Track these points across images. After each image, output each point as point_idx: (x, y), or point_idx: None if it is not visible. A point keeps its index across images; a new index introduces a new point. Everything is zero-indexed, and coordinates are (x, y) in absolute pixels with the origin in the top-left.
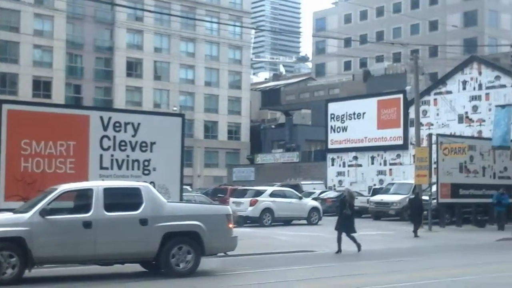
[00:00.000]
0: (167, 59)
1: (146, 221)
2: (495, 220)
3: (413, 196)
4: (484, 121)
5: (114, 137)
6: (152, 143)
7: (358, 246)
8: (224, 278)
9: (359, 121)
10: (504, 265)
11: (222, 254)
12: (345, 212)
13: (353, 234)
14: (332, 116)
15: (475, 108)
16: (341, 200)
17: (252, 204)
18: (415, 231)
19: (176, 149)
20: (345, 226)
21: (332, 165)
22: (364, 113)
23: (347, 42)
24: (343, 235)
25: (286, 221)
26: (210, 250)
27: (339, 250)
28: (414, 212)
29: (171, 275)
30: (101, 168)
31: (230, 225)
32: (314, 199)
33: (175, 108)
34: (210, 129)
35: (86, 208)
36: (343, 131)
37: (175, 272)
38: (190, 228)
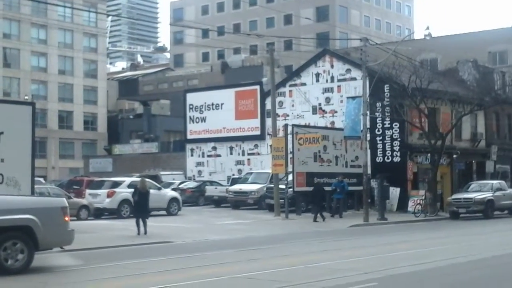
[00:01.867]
0: (17, 46)
1: None
2: (334, 209)
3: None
4: (336, 112)
5: None
6: (0, 133)
7: (145, 231)
8: (68, 274)
9: (217, 112)
10: (355, 250)
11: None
12: (135, 199)
13: (147, 220)
14: (191, 106)
15: (328, 100)
16: (134, 188)
17: (109, 195)
18: (315, 218)
19: (26, 140)
20: (140, 212)
21: (192, 155)
22: (222, 104)
23: (205, 33)
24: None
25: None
26: (44, 245)
27: (138, 233)
28: (316, 200)
29: (1, 272)
30: None
31: (67, 218)
32: (174, 189)
33: (26, 97)
34: (65, 119)
35: None
36: (202, 121)
37: (5, 269)
38: (22, 222)
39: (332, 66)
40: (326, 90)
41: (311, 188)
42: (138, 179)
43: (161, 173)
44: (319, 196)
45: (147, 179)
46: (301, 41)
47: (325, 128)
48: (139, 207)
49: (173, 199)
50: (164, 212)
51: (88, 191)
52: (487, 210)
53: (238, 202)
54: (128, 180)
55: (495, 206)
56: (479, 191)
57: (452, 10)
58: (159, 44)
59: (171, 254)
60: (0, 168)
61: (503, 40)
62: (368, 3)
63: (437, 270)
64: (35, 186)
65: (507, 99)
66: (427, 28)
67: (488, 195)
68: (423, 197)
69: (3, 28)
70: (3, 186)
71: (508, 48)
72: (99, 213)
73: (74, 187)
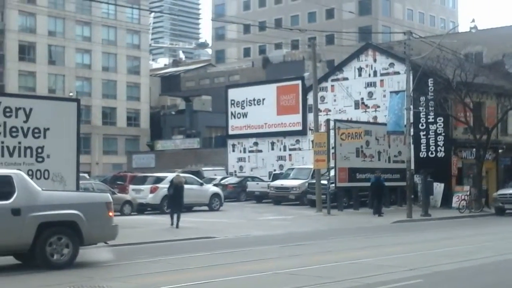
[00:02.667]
0: (61, 43)
1: (19, 211)
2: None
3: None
4: (379, 107)
5: (5, 123)
6: (46, 129)
7: (177, 225)
8: (113, 268)
9: (259, 107)
10: (399, 247)
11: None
12: (170, 193)
13: (180, 213)
14: (232, 102)
15: (370, 94)
16: (170, 182)
17: (152, 191)
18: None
19: (71, 136)
20: (174, 205)
21: (233, 151)
22: (264, 99)
23: (247, 28)
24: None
25: (188, 208)
26: (89, 240)
27: (172, 224)
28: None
29: (48, 267)
30: None
31: (111, 214)
32: (215, 185)
33: (71, 94)
34: (108, 116)
35: None
36: (243, 117)
37: (51, 263)
38: (67, 217)
39: (375, 60)
40: (368, 84)
41: (353, 184)
42: (186, 174)
43: (203, 168)
44: (380, 189)
45: (188, 175)
46: (343, 35)
47: (368, 123)
48: (173, 200)
49: (215, 195)
50: (206, 208)
51: (131, 186)
52: None
53: (280, 198)
54: (170, 176)
55: None
56: None
57: (497, 2)
58: (201, 40)
59: (213, 249)
60: (46, 164)
61: None
62: None
63: (482, 267)
64: (80, 182)
65: None
66: (473, 20)
67: None
68: (468, 193)
69: (48, 26)
70: (49, 181)
71: None
72: (142, 209)
73: (118, 182)
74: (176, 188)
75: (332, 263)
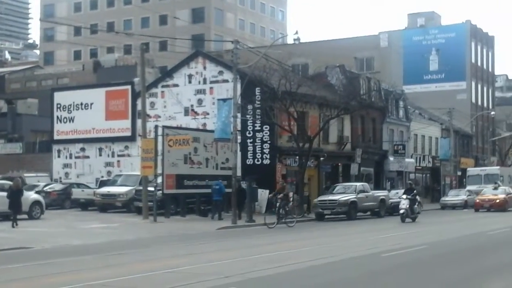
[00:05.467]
0: None
1: None
2: (212, 210)
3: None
4: (208, 114)
5: None
6: None
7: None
8: None
9: (86, 112)
10: (220, 254)
11: None
12: (8, 196)
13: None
14: (59, 106)
15: (200, 101)
16: (9, 187)
17: None
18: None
19: None
20: (13, 207)
21: (58, 156)
22: (92, 104)
23: (77, 30)
24: None
25: (4, 216)
26: None
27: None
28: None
29: None
30: None
31: None
32: (38, 192)
33: None
34: None
35: None
36: (70, 121)
37: None
38: None
39: (204, 68)
40: (198, 91)
41: (181, 191)
42: (3, 181)
43: (25, 175)
44: (241, 196)
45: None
46: (176, 42)
47: (196, 130)
48: (12, 203)
49: (35, 202)
50: (25, 216)
51: None
52: (350, 212)
53: (106, 205)
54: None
55: (358, 208)
56: (343, 193)
57: (322, 18)
58: (30, 41)
59: (26, 261)
60: None
61: (368, 47)
62: (243, 6)
63: (297, 272)
64: None
65: (371, 103)
66: (296, 32)
67: (351, 197)
68: (291, 199)
69: None
70: None
71: (373, 54)
72: None
73: None
74: (13, 193)
75: (148, 272)
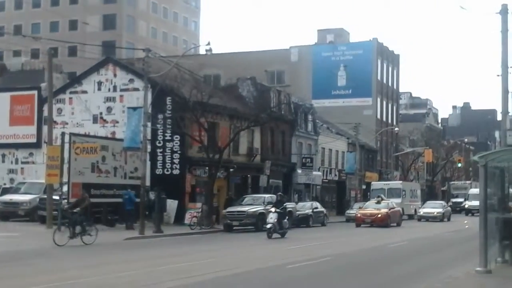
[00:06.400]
0: None
1: None
2: (125, 219)
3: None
4: (118, 122)
5: None
6: None
7: None
8: None
9: None
10: (128, 264)
11: None
12: None
13: None
14: None
15: (109, 109)
16: None
17: None
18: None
19: None
20: None
21: None
22: None
23: None
24: None
25: None
26: None
27: None
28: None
29: None
30: None
31: None
32: None
33: None
34: None
35: None
36: None
37: None
38: None
39: (115, 75)
40: (108, 99)
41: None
42: None
43: None
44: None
45: None
46: (86, 48)
47: (105, 138)
48: None
49: None
50: None
51: None
52: (258, 223)
53: (8, 214)
54: None
55: (266, 219)
56: (252, 205)
57: (235, 30)
58: None
59: None
60: None
61: (280, 61)
62: (155, 15)
63: (202, 284)
64: None
65: (281, 116)
66: (208, 43)
67: (259, 208)
68: (200, 210)
69: None
70: None
71: (284, 68)
72: None
73: None
74: None
75: (46, 284)
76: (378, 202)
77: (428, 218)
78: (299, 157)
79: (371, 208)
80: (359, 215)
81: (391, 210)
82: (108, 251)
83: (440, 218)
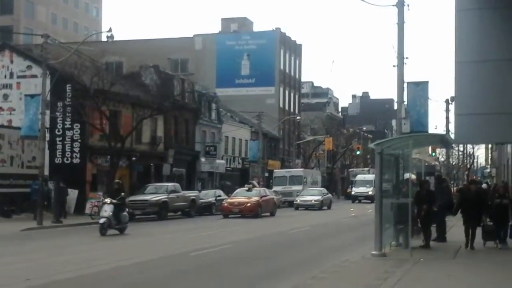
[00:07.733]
0: None
1: None
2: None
3: None
4: (14, 110)
5: None
6: None
7: None
8: None
9: None
10: (23, 256)
11: None
12: None
13: None
14: None
15: (6, 97)
16: None
17: None
18: None
19: None
20: None
21: None
22: None
23: None
24: None
25: None
26: None
27: None
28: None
29: None
30: None
31: None
32: None
33: None
34: None
35: None
36: None
37: None
38: None
39: (11, 62)
40: (4, 86)
41: None
42: None
43: None
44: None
45: None
46: None
47: (1, 126)
48: None
49: None
50: None
51: None
52: (161, 212)
53: None
54: None
55: (169, 208)
56: (155, 193)
57: (137, 17)
58: None
59: None
60: None
61: (183, 49)
62: (55, 0)
63: (103, 273)
64: None
65: (185, 104)
66: (110, 30)
67: (162, 197)
68: (101, 199)
69: None
70: None
71: (188, 56)
72: None
73: None
74: None
75: None
76: (249, 190)
77: (306, 207)
78: (203, 146)
79: (240, 196)
80: (226, 204)
81: (263, 198)
82: (2, 243)
83: (319, 207)
